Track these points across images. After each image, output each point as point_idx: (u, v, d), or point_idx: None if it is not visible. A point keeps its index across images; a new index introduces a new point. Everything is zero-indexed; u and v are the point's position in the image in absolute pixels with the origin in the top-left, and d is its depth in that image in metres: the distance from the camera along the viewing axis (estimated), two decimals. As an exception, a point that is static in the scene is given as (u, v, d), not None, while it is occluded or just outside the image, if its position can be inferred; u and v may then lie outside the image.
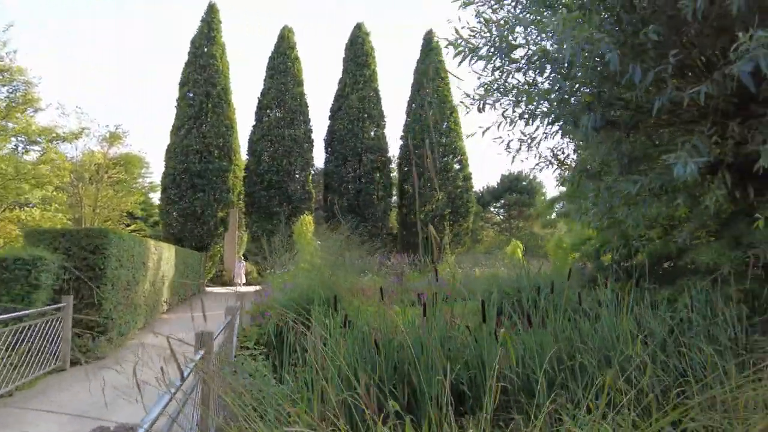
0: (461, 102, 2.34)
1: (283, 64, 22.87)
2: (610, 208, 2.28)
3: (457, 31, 2.16)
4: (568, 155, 2.43)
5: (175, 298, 14.06)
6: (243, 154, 23.28)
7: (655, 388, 3.67)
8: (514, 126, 2.29)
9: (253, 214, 22.14)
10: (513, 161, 2.71)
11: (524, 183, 39.13)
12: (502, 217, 41.06)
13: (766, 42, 1.18)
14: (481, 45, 2.17)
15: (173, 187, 20.51)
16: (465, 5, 2.49)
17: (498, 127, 2.58)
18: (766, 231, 6.04)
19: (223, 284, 22.84)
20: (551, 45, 2.16)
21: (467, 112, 2.31)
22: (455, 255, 23.42)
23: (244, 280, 21.49)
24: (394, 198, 25.63)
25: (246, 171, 22.71)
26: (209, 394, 3.09)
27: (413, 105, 24.27)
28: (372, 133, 23.65)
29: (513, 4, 2.37)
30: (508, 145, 2.74)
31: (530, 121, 2.12)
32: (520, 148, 2.73)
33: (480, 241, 37.04)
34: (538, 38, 2.28)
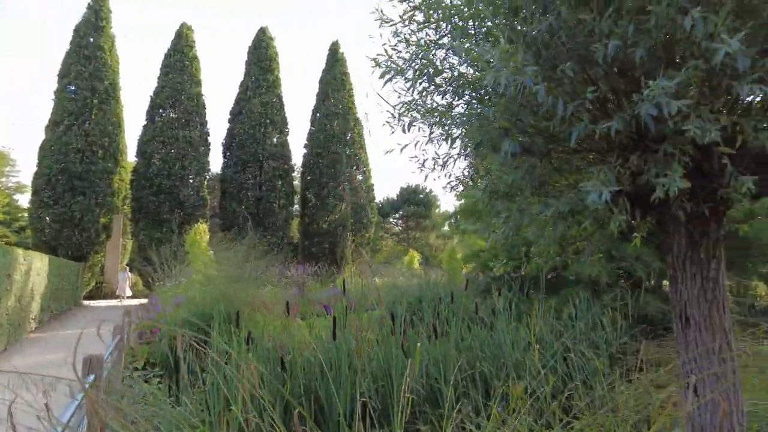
0: (387, 122, 2.36)
1: (180, 62, 21.58)
2: (519, 227, 2.43)
3: (386, 52, 2.19)
4: (482, 176, 2.55)
5: (46, 314, 12.52)
6: (131, 156, 21.52)
7: (546, 392, 3.96)
8: (439, 146, 2.36)
9: (141, 220, 20.47)
10: (426, 179, 2.79)
11: (421, 196, 40.67)
12: (400, 228, 42.26)
13: (669, 90, 1.35)
14: (406, 67, 2.22)
15: (47, 188, 18.30)
16: (385, 23, 2.52)
17: (415, 145, 2.63)
18: (635, 248, 6.82)
19: (104, 297, 20.82)
20: (473, 72, 2.26)
21: (392, 132, 2.34)
22: (356, 265, 23.58)
23: (128, 293, 19.76)
24: (296, 207, 25.21)
25: (134, 174, 20.97)
26: (98, 427, 2.74)
27: (318, 114, 24.15)
28: (275, 140, 23.10)
29: (434, 28, 2.44)
30: (423, 164, 2.81)
31: (453, 144, 2.21)
32: (434, 168, 2.82)
33: (379, 251, 37.77)
34: (459, 64, 2.38)
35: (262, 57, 23.42)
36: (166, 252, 12.38)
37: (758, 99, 1.43)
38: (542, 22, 1.77)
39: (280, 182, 22.91)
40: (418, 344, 3.27)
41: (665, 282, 8.08)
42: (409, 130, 2.26)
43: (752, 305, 8.09)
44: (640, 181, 1.82)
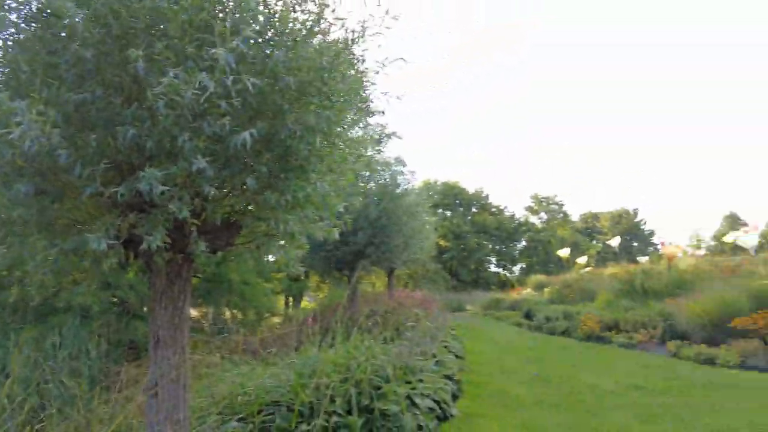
0: None
1: None
2: (20, 257, 2.57)
3: None
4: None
5: None
6: None
7: (18, 425, 3.89)
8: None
9: None
10: None
11: None
12: None
13: (158, 178, 2.02)
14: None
15: None
16: None
17: None
18: (129, 277, 7.40)
19: None
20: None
21: None
22: None
23: None
24: None
25: None
26: None
27: None
28: None
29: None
30: None
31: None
32: None
33: None
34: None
35: None
36: None
37: (213, 193, 2.31)
38: (79, 93, 2.12)
39: None
40: None
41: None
42: None
43: (221, 329, 10.01)
44: (136, 231, 2.40)
